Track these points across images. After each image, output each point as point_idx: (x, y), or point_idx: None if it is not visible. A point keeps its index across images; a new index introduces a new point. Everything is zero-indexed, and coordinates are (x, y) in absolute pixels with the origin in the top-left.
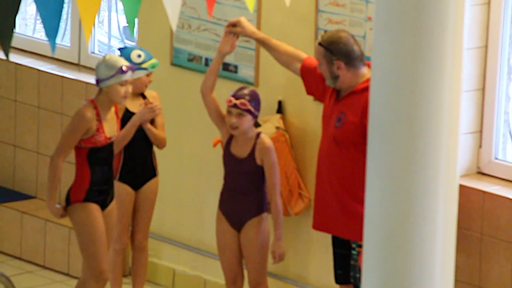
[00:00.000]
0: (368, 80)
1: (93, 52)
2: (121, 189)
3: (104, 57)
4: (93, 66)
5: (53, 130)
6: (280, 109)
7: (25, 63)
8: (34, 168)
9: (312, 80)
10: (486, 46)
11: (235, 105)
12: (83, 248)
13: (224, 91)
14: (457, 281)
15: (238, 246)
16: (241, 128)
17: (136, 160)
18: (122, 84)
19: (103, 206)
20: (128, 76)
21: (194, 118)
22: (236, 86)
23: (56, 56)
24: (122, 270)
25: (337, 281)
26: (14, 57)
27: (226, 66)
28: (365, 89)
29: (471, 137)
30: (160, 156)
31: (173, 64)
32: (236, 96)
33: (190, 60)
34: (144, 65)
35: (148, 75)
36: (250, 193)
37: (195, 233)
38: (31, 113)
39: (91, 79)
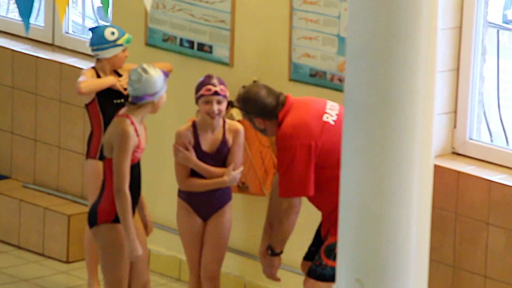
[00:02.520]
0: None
1: (67, 32)
2: (99, 167)
3: (143, 74)
4: (68, 46)
5: (27, 110)
6: None
7: None
8: (9, 148)
9: None
10: (460, 27)
11: (216, 93)
12: (108, 270)
13: (198, 72)
14: (432, 260)
15: (203, 236)
16: (221, 114)
17: None
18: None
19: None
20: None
21: (168, 98)
22: (211, 66)
23: (30, 36)
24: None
25: (306, 257)
26: None
27: (201, 47)
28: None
29: (446, 118)
30: None
31: (148, 44)
32: (213, 83)
33: (165, 40)
34: (119, 42)
35: (123, 50)
36: None
37: (170, 213)
38: (5, 93)
39: (65, 59)
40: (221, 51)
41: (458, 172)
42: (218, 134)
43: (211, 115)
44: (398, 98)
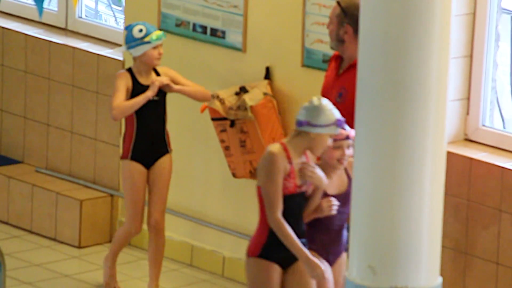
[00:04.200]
0: None
1: (80, 17)
2: (133, 168)
3: (317, 103)
4: (81, 31)
5: (40, 95)
6: (268, 75)
7: (12, 27)
8: (21, 133)
9: None
10: (474, 13)
11: (347, 137)
12: None
13: (211, 58)
14: (444, 247)
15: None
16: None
17: (149, 137)
18: (332, 136)
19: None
20: (338, 131)
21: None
22: (223, 52)
23: (43, 21)
24: (123, 247)
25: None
26: (1, 21)
27: (214, 32)
28: None
29: (459, 104)
30: None
31: (161, 29)
32: (343, 128)
33: (178, 25)
34: (146, 39)
35: (155, 47)
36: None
37: (182, 198)
38: (18, 78)
39: (78, 44)
40: (234, 37)
41: (471, 158)
42: (341, 175)
43: (341, 161)
44: (411, 84)
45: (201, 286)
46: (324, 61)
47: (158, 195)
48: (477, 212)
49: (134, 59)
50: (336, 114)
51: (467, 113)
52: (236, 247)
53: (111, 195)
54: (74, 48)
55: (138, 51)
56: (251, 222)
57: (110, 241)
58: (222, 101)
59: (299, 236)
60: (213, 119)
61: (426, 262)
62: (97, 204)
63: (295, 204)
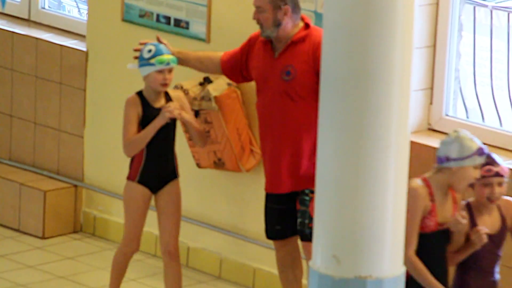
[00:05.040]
0: (302, 30)
1: (44, 8)
2: (139, 191)
3: (454, 135)
4: (44, 22)
5: (3, 86)
6: None
7: None
8: None
9: (236, 70)
10: (437, 3)
11: (497, 174)
12: None
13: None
14: None
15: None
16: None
17: (158, 161)
18: (477, 167)
19: None
20: (481, 161)
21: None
22: (187, 42)
23: (6, 12)
24: (124, 273)
25: (276, 236)
26: None
27: (177, 23)
28: (304, 38)
29: (422, 94)
30: (110, 111)
31: (124, 20)
32: (493, 163)
33: (141, 16)
34: (151, 60)
35: (160, 72)
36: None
37: None
38: None
39: (41, 35)
40: (197, 27)
41: (434, 148)
42: (494, 214)
43: (491, 199)
44: (375, 74)
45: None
46: None
47: (171, 220)
48: None
49: (144, 78)
50: (477, 142)
51: (431, 103)
52: (200, 237)
53: (75, 186)
54: (37, 39)
55: (144, 71)
56: (214, 211)
57: (74, 232)
58: (186, 92)
59: (439, 276)
60: None
61: (390, 252)
62: (61, 195)
63: (436, 242)
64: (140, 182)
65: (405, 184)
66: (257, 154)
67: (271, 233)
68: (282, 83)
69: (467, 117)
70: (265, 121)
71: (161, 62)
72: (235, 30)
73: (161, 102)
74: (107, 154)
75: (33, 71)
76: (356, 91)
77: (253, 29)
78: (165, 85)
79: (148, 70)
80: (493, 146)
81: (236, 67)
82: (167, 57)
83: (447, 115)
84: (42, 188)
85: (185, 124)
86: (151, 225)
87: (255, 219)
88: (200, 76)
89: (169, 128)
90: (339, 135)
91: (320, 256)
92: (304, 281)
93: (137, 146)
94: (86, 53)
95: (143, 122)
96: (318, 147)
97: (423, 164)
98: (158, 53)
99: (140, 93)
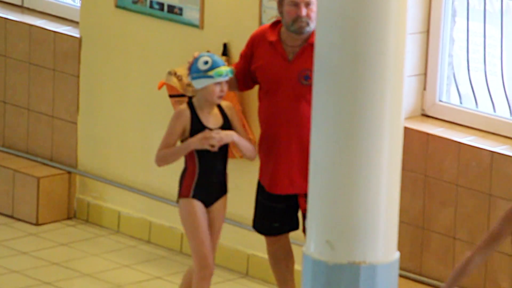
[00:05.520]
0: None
1: None
2: (196, 206)
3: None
4: (37, 8)
5: None
6: (225, 51)
7: None
8: None
9: (249, 82)
10: None
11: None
12: None
13: (168, 35)
14: (401, 222)
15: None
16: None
17: (211, 177)
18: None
19: None
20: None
21: (138, 61)
22: (181, 29)
23: None
24: None
25: (272, 233)
26: None
27: (171, 9)
28: None
29: (416, 80)
30: (104, 97)
31: (118, 6)
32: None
33: (134, 2)
34: (209, 73)
35: (218, 83)
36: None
37: (140, 175)
38: None
39: (35, 21)
40: (191, 13)
41: (428, 134)
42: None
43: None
44: (369, 60)
45: (159, 263)
46: None
47: (215, 236)
48: (434, 187)
49: (196, 91)
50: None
51: (424, 89)
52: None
53: (69, 172)
54: (30, 25)
55: (200, 84)
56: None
57: (67, 218)
58: (179, 78)
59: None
60: (170, 96)
61: (384, 237)
62: (54, 182)
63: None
64: (194, 197)
65: (399, 170)
66: (251, 140)
67: (267, 230)
68: (299, 86)
69: (461, 103)
70: (274, 124)
71: (220, 75)
72: (228, 16)
73: (212, 115)
74: (101, 140)
75: (27, 57)
76: (350, 77)
77: (247, 15)
78: (221, 97)
79: (205, 82)
80: (486, 131)
81: (247, 80)
82: (225, 68)
83: (440, 101)
84: (36, 175)
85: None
86: (143, 211)
87: (249, 205)
88: None
89: (221, 146)
90: (333, 121)
91: (314, 242)
92: (297, 267)
93: (168, 161)
94: (79, 40)
95: (191, 135)
96: (312, 133)
97: (416, 149)
98: (215, 65)
99: (190, 104)
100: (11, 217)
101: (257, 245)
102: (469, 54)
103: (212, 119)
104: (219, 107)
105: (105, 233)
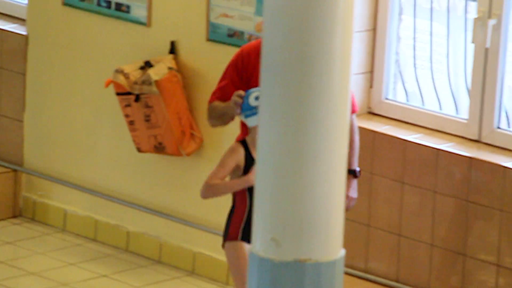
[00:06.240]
0: None
1: None
2: (243, 249)
3: None
4: (6, 12)
5: None
6: (172, 49)
7: None
8: None
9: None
10: None
11: None
12: None
13: (116, 32)
14: (347, 219)
15: None
16: None
17: None
18: None
19: None
20: None
21: (85, 58)
22: (128, 26)
23: None
24: None
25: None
26: None
27: (118, 7)
28: None
29: (362, 78)
30: (51, 95)
31: (65, 4)
32: None
33: (82, 0)
34: None
35: None
36: None
37: (86, 173)
38: None
39: (4, 26)
40: (138, 11)
41: (374, 131)
42: None
43: None
44: (316, 58)
45: (105, 261)
46: (229, 35)
47: None
48: (380, 184)
49: (250, 130)
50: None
51: (371, 86)
52: (140, 221)
53: (15, 171)
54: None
55: (255, 121)
56: (155, 196)
57: (13, 217)
58: (126, 76)
59: None
60: (117, 94)
61: (329, 235)
62: (0, 180)
63: None
64: (243, 239)
65: (345, 167)
66: (197, 138)
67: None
68: None
69: (407, 101)
70: None
71: None
72: (176, 14)
73: None
74: (47, 138)
75: None
76: (297, 75)
77: (194, 13)
78: None
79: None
80: (432, 129)
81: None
82: None
83: (387, 98)
84: None
85: None
86: (89, 209)
87: (195, 203)
88: (141, 60)
89: None
90: (280, 119)
91: (259, 239)
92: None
93: (218, 193)
94: (26, 37)
95: (244, 172)
96: (260, 131)
97: (363, 147)
98: None
99: (243, 142)
100: None
101: (203, 243)
102: (415, 52)
103: None
104: None
105: (51, 231)
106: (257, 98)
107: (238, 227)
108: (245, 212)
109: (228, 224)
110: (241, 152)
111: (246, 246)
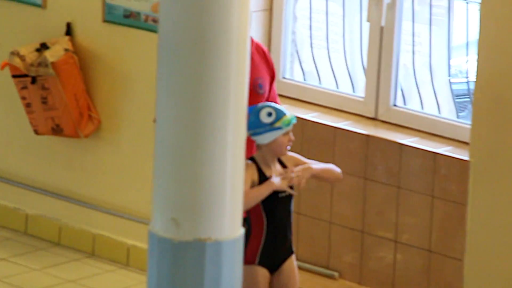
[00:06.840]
0: None
1: None
2: (261, 275)
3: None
4: None
5: None
6: (69, 31)
7: None
8: None
9: None
10: None
11: None
12: None
13: (11, 14)
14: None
15: None
16: None
17: (278, 238)
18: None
19: None
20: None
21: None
22: (23, 8)
23: None
24: None
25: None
26: None
27: None
28: None
29: None
30: None
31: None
32: None
33: None
34: (276, 124)
35: (284, 134)
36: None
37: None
38: None
39: None
40: None
41: None
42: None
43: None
44: (213, 38)
45: (4, 244)
46: (125, 16)
47: None
48: None
49: (258, 147)
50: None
51: None
52: (39, 204)
53: None
54: None
55: (267, 138)
56: (54, 178)
57: None
58: (22, 58)
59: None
60: (13, 76)
61: (229, 214)
62: None
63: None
64: (260, 264)
65: (243, 147)
66: (95, 119)
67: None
68: (257, 96)
69: (304, 80)
70: None
71: (288, 124)
72: None
73: (274, 170)
74: None
75: None
76: (193, 55)
77: None
78: (288, 146)
79: (274, 135)
80: (329, 107)
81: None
82: (290, 115)
83: (284, 77)
84: None
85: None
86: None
87: (94, 185)
88: (37, 42)
89: (288, 199)
90: (177, 99)
91: (159, 219)
92: (143, 245)
93: (247, 204)
94: None
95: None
96: (157, 111)
97: None
98: (281, 114)
99: (253, 160)
100: None
101: (103, 225)
102: (312, 32)
103: (277, 174)
104: (278, 160)
105: None
106: (269, 114)
107: (256, 252)
108: (263, 234)
109: (245, 249)
110: (254, 169)
111: (263, 272)
